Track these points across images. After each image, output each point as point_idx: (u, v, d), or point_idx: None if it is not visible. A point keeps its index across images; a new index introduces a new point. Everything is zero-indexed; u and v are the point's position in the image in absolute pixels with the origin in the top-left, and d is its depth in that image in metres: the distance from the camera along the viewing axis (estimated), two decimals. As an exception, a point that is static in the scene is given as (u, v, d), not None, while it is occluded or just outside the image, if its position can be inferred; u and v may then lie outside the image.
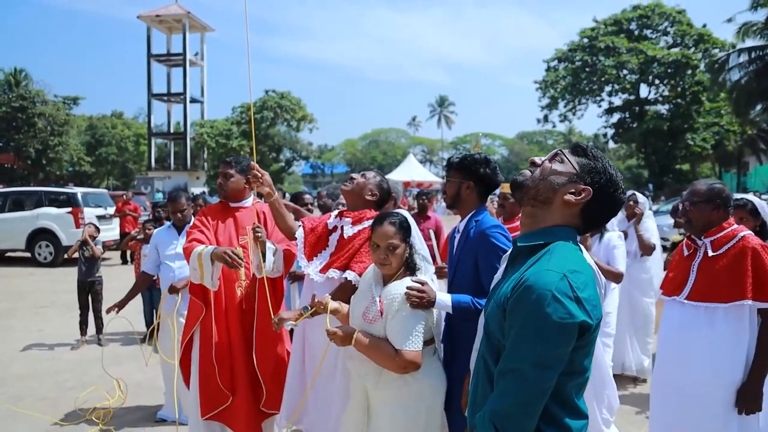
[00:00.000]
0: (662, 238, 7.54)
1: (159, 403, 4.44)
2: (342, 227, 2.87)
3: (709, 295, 2.50)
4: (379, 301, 2.26)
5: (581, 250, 1.47)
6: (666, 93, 32.41)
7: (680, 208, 2.66)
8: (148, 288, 6.09)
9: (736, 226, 2.59)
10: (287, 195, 9.16)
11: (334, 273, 2.73)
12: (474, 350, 2.11)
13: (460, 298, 2.27)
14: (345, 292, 2.62)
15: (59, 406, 4.52)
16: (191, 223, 3.34)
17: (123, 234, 12.56)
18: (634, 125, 32.90)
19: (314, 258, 2.87)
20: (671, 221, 12.11)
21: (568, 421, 1.37)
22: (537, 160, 1.56)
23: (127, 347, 6.34)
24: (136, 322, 6.76)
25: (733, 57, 26.77)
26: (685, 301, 2.58)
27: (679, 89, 31.36)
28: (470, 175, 2.45)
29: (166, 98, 34.64)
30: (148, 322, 6.48)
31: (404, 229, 2.33)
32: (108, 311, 4.29)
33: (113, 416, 4.29)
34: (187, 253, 3.07)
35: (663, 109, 32.93)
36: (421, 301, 2.18)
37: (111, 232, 13.24)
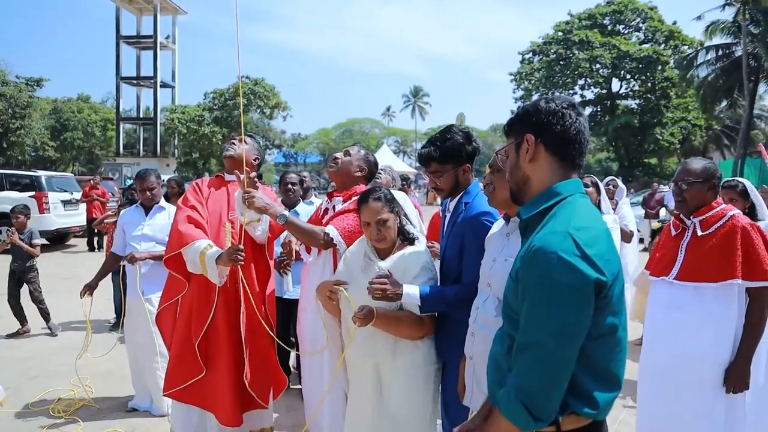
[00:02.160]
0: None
1: (130, 392, 4.27)
2: (333, 207, 2.86)
3: (699, 274, 2.49)
4: (389, 274, 2.23)
5: (589, 203, 1.41)
6: (636, 88, 33.00)
7: (673, 187, 2.64)
8: (118, 273, 5.91)
9: (724, 205, 2.58)
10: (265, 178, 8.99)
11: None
12: (469, 334, 2.07)
13: (428, 290, 2.21)
14: (321, 242, 2.63)
15: (22, 396, 4.32)
16: (183, 195, 3.19)
17: (90, 220, 12.19)
18: (606, 119, 33.45)
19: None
20: (642, 212, 12.43)
21: (597, 395, 1.30)
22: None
23: (96, 335, 6.12)
24: (107, 309, 6.57)
25: (701, 54, 27.41)
26: (674, 281, 2.57)
27: (649, 84, 31.96)
28: (462, 158, 2.34)
29: (135, 82, 33.66)
30: (118, 308, 6.29)
31: (389, 201, 2.36)
32: (81, 295, 4.12)
33: (83, 407, 4.10)
34: (181, 237, 2.92)
35: (633, 103, 33.53)
36: (385, 294, 2.13)
37: (77, 217, 12.86)
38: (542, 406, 1.25)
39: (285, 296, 4.08)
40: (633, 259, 5.31)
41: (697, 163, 2.61)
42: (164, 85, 33.64)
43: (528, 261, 1.29)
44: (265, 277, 3.17)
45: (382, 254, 2.39)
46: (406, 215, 2.52)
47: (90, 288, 4.20)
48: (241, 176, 2.65)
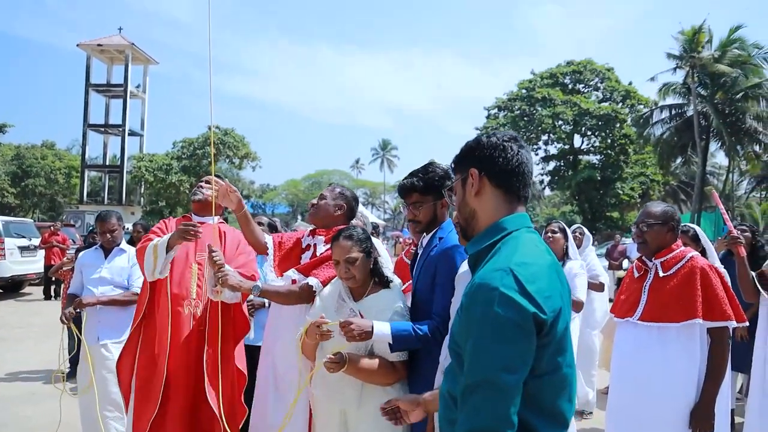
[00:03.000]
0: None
1: (82, 444, 4.02)
2: (315, 245, 2.84)
3: (662, 315, 2.54)
4: (360, 316, 2.21)
5: (536, 238, 1.41)
6: (597, 144, 34.36)
7: (634, 229, 2.72)
8: (74, 322, 5.68)
9: (683, 247, 2.68)
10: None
11: (294, 274, 2.64)
12: (439, 372, 2.05)
13: (400, 327, 2.20)
14: (303, 297, 2.57)
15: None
16: (148, 232, 3.16)
17: (48, 267, 11.74)
18: (569, 173, 34.55)
19: (283, 275, 2.79)
20: (606, 263, 12.73)
21: (540, 426, 1.27)
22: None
23: (47, 386, 5.80)
24: (59, 358, 6.24)
25: (656, 113, 28.91)
26: (638, 322, 2.62)
27: (608, 141, 33.34)
28: (441, 192, 2.34)
29: (103, 130, 33.40)
30: (73, 358, 6.00)
31: (361, 241, 2.33)
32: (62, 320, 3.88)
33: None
34: (139, 252, 2.97)
35: (595, 159, 34.82)
36: (351, 334, 2.11)
37: (35, 264, 12.38)
38: None
39: (247, 342, 3.97)
40: (601, 305, 5.38)
41: (656, 206, 2.71)
42: (132, 134, 33.47)
43: (470, 297, 1.28)
44: (241, 323, 3.17)
45: (356, 295, 2.37)
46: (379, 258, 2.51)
47: (68, 316, 3.88)
48: (213, 253, 2.61)
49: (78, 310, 3.92)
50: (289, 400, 2.70)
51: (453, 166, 1.54)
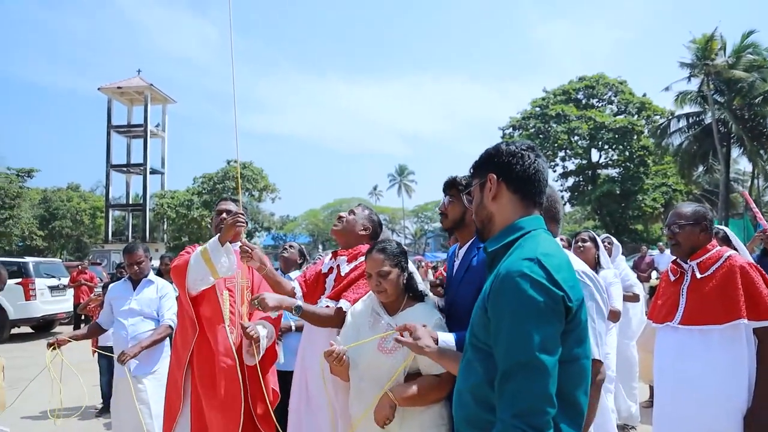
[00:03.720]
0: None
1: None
2: (338, 266, 2.83)
3: (703, 317, 2.47)
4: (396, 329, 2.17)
5: (552, 238, 1.48)
6: (615, 157, 34.05)
7: (666, 231, 2.66)
8: (105, 358, 5.73)
9: (719, 247, 2.61)
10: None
11: (327, 302, 2.62)
12: None
13: (461, 336, 2.14)
14: (336, 321, 2.53)
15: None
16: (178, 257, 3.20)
17: (77, 305, 11.91)
18: (588, 188, 34.21)
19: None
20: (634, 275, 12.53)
21: (561, 422, 1.31)
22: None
23: (82, 422, 5.83)
24: (92, 394, 6.28)
25: (674, 122, 28.63)
26: (679, 326, 2.54)
27: (627, 153, 33.02)
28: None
29: (125, 169, 34.15)
30: (105, 394, 6.04)
31: (394, 255, 2.31)
32: (48, 346, 3.86)
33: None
34: (179, 268, 2.98)
35: (614, 172, 34.47)
36: (417, 343, 2.07)
37: (64, 303, 12.57)
38: (542, 425, 1.24)
39: (277, 368, 3.95)
40: (636, 315, 5.27)
41: (687, 207, 2.66)
42: (154, 172, 34.14)
43: (499, 287, 1.33)
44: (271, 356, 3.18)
45: (391, 310, 2.34)
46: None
47: (59, 341, 3.89)
48: (246, 328, 2.78)
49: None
50: (321, 424, 2.67)
51: (472, 171, 1.62)
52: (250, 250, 2.78)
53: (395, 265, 2.29)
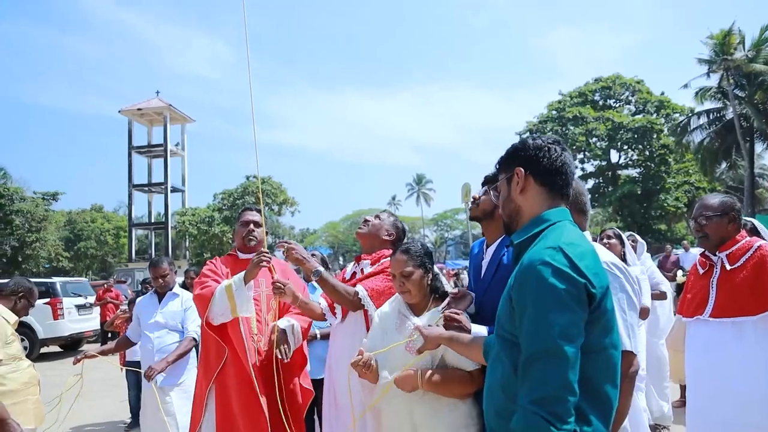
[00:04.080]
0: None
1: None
2: (362, 270, 2.85)
3: (734, 309, 2.41)
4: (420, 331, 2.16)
5: (577, 229, 1.48)
6: (635, 157, 33.61)
7: (693, 224, 2.61)
8: (133, 372, 5.80)
9: (749, 237, 2.55)
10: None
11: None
12: None
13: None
14: (349, 302, 2.61)
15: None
16: (199, 276, 3.20)
17: (103, 323, 12.09)
18: (609, 189, 33.79)
19: (335, 309, 2.83)
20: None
21: (589, 412, 1.31)
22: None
23: (111, 437, 5.89)
24: (121, 410, 6.35)
25: (694, 119, 28.16)
26: (710, 319, 2.49)
27: (647, 153, 32.57)
28: None
29: (146, 189, 34.73)
30: (133, 408, 6.10)
31: (418, 256, 2.31)
32: (74, 362, 4.18)
33: None
34: (203, 298, 2.99)
35: (634, 172, 34.01)
36: (460, 328, 2.05)
37: (91, 322, 12.76)
38: (561, 414, 1.24)
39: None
40: (664, 313, 5.17)
41: (714, 198, 2.61)
42: (175, 190, 34.65)
43: (522, 276, 1.35)
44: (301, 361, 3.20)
45: (417, 311, 2.34)
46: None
47: (86, 355, 4.16)
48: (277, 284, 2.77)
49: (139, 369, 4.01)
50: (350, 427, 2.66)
51: (498, 166, 1.64)
52: (282, 286, 2.77)
53: (419, 265, 2.29)
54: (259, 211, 3.34)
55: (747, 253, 2.46)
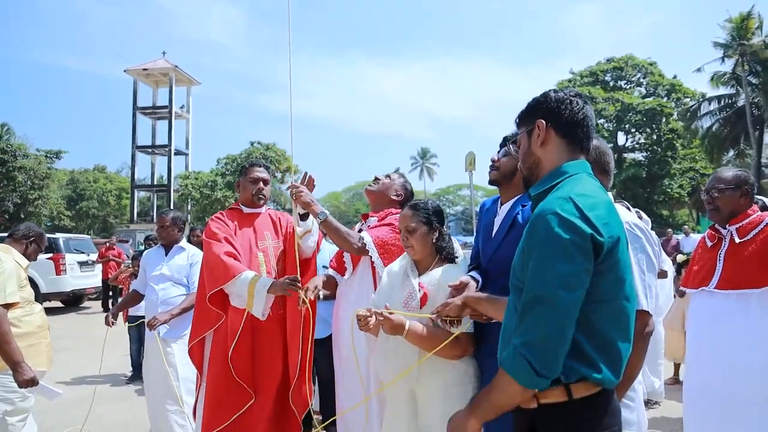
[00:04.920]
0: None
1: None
2: (368, 226, 2.87)
3: (741, 281, 2.41)
4: (421, 288, 2.17)
5: (595, 182, 1.48)
6: (642, 141, 33.37)
7: (704, 196, 2.60)
8: (136, 325, 5.87)
9: (760, 212, 2.54)
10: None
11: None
12: None
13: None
14: (353, 247, 2.64)
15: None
16: (210, 230, 3.10)
17: (105, 281, 12.18)
18: (615, 172, 33.69)
19: (344, 266, 2.86)
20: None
21: (598, 360, 1.33)
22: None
23: (114, 388, 6.00)
24: (123, 364, 6.46)
25: (704, 105, 27.85)
26: (715, 291, 2.49)
27: (654, 137, 32.32)
28: None
29: (150, 150, 34.61)
30: (135, 362, 6.20)
31: (425, 212, 2.31)
32: (106, 322, 4.32)
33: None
34: (227, 270, 2.84)
35: (640, 156, 33.81)
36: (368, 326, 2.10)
37: (93, 279, 12.86)
38: (545, 360, 1.28)
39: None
40: (665, 290, 5.21)
41: (727, 171, 2.59)
42: (178, 153, 34.53)
43: (531, 225, 1.37)
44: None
45: (421, 270, 2.36)
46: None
47: (113, 316, 4.38)
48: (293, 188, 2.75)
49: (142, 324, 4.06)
50: (353, 387, 2.70)
51: (518, 120, 1.62)
52: (301, 190, 2.72)
53: (424, 222, 2.31)
54: (267, 168, 3.32)
55: (757, 227, 2.45)
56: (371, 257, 2.66)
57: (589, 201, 1.34)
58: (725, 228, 2.56)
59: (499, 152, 2.28)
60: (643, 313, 1.70)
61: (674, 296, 5.58)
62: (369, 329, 2.23)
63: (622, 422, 1.71)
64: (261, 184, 3.19)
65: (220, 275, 2.86)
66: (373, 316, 2.13)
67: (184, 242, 4.29)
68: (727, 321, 2.42)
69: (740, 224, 2.50)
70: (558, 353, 1.29)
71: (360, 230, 2.93)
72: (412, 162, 73.62)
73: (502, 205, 2.29)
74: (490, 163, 2.30)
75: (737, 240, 2.48)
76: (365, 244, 2.63)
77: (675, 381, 5.70)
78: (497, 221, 2.26)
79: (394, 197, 2.90)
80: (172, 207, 33.35)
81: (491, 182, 2.28)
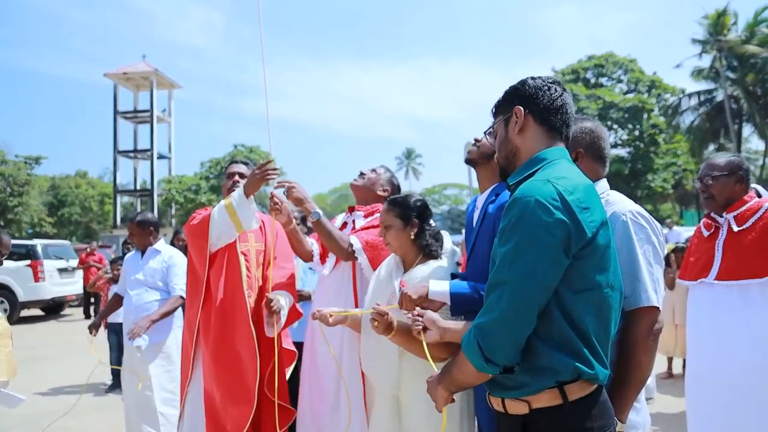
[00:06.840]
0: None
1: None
2: (353, 221, 2.77)
3: (741, 271, 2.33)
4: (402, 286, 2.08)
5: (574, 167, 1.42)
6: (625, 137, 33.62)
7: (698, 185, 2.51)
8: (115, 333, 5.69)
9: (758, 198, 2.46)
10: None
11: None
12: None
13: (460, 286, 1.94)
14: (343, 251, 2.55)
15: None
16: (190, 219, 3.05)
17: (86, 287, 11.91)
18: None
19: (327, 259, 2.75)
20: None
21: (584, 352, 1.26)
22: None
23: (95, 397, 5.79)
24: (102, 372, 6.25)
25: (684, 101, 28.16)
26: (715, 282, 2.41)
27: (636, 133, 32.57)
28: None
29: (132, 155, 34.09)
30: (114, 370, 6.01)
31: (403, 208, 2.23)
32: (90, 331, 4.22)
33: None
34: (201, 224, 2.83)
35: (624, 152, 34.08)
36: (407, 301, 1.93)
37: (74, 286, 12.56)
38: (494, 347, 1.23)
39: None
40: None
41: (721, 157, 2.51)
42: (161, 157, 34.08)
43: (508, 207, 1.31)
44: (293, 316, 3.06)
45: (406, 267, 2.29)
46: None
47: (95, 327, 4.25)
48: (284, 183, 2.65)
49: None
50: (327, 386, 2.61)
51: (495, 109, 1.57)
52: (280, 203, 2.66)
53: (400, 217, 2.22)
54: (246, 164, 3.20)
55: (756, 214, 2.37)
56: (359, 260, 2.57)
57: (569, 184, 1.28)
58: (722, 216, 2.47)
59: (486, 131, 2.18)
60: (652, 309, 1.59)
61: (664, 289, 5.53)
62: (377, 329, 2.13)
63: (630, 425, 1.61)
64: (237, 177, 3.09)
65: (199, 235, 2.84)
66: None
67: (160, 243, 4.14)
68: (728, 312, 2.35)
69: (737, 211, 2.42)
70: (506, 341, 1.23)
71: (345, 223, 2.84)
72: (398, 163, 73.67)
73: (480, 194, 2.22)
74: (473, 141, 2.20)
75: (735, 228, 2.40)
76: (354, 250, 2.55)
77: (669, 375, 5.66)
78: (476, 215, 2.18)
79: (381, 192, 2.81)
80: (156, 211, 32.93)
81: (467, 161, 2.20)
